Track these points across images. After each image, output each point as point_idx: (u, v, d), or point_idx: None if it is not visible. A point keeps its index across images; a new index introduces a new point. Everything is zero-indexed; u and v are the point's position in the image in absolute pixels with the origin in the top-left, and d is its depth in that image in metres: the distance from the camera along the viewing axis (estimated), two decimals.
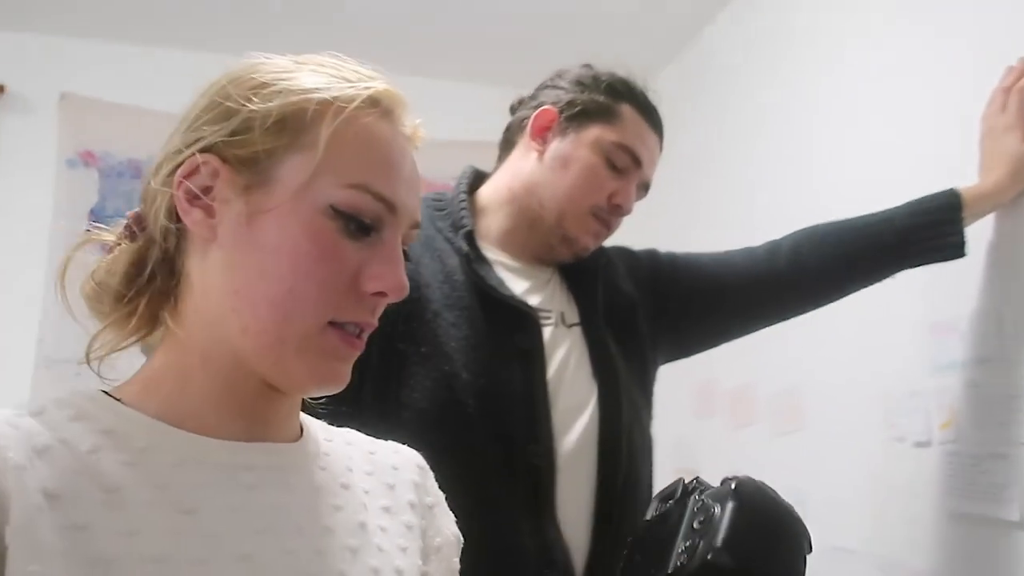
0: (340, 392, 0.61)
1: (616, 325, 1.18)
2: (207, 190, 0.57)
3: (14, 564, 0.45)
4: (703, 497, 0.62)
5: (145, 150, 2.13)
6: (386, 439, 0.73)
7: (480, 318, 1.07)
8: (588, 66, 1.21)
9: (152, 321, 0.61)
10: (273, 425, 0.61)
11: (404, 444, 0.74)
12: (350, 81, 0.59)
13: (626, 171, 1.15)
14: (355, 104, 0.57)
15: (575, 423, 1.09)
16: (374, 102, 0.59)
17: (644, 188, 1.21)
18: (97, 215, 2.38)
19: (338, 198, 0.56)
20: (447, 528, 0.70)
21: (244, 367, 0.57)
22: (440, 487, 0.73)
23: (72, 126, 2.51)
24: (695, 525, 0.60)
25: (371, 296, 0.58)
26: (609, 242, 1.27)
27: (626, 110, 1.15)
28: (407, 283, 0.59)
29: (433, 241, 1.12)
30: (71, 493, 0.49)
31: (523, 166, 1.18)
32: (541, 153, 1.16)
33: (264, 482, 0.58)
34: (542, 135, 1.16)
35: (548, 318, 1.14)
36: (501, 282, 1.11)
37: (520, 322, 1.09)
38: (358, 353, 0.59)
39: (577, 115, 1.15)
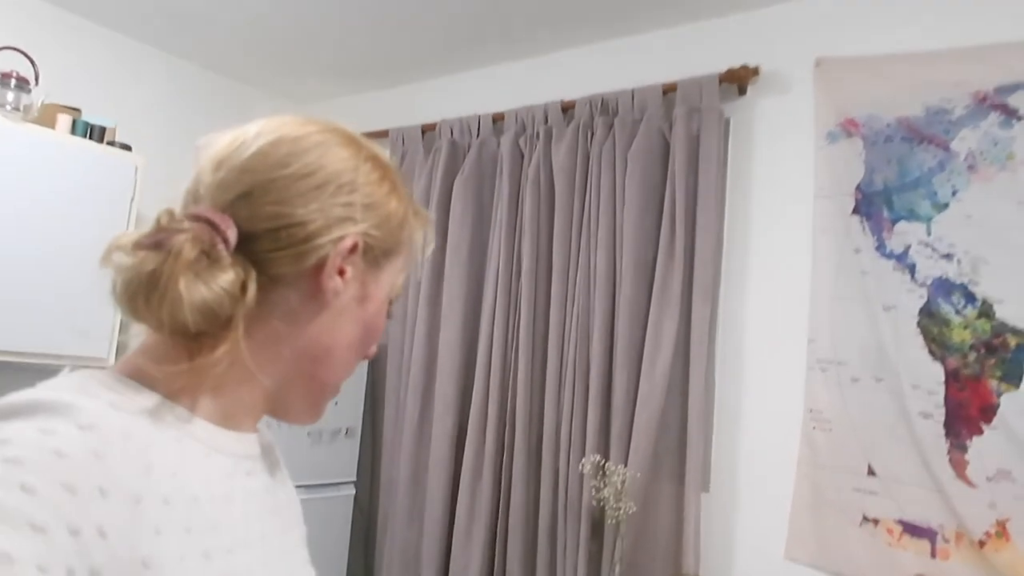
0: None
1: None
2: (348, 258, 0.64)
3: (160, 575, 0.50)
4: None
5: (920, 103, 1.79)
6: None
7: None
8: None
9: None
10: (257, 419, 0.69)
11: None
12: (421, 220, 0.72)
13: None
14: (425, 227, 0.72)
15: None
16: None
17: None
18: (864, 191, 2.01)
19: (394, 294, 0.70)
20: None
21: (280, 392, 0.66)
22: None
23: (830, 94, 2.13)
24: None
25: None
26: None
27: None
28: None
29: None
30: (172, 495, 0.54)
31: None
32: None
33: (256, 469, 0.67)
34: None
35: None
36: None
37: None
38: None
39: None
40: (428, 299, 2.69)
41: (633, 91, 2.35)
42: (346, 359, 0.68)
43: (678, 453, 2.17)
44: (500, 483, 2.45)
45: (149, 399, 0.58)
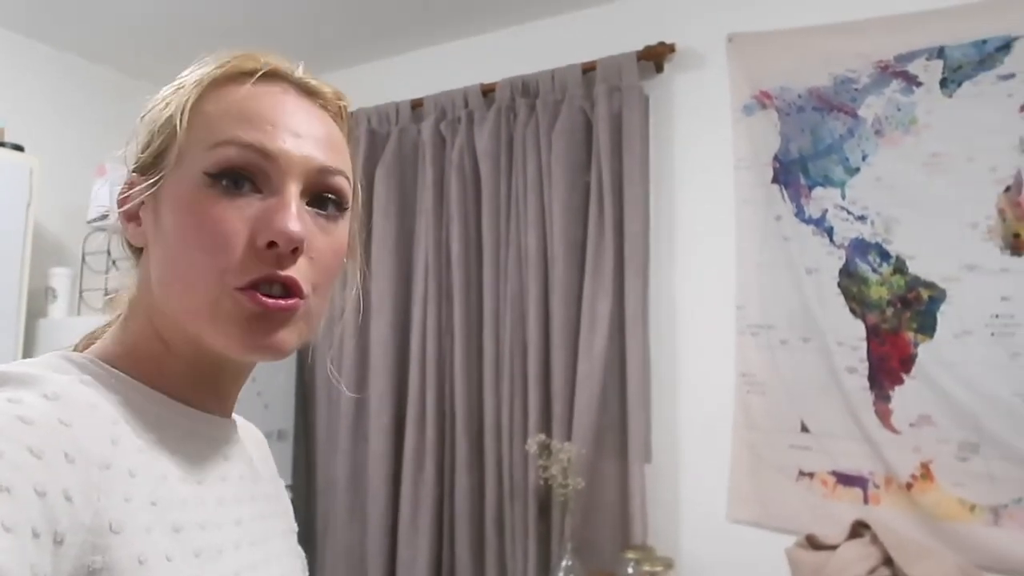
0: None
1: None
2: (139, 205, 0.61)
3: (129, 542, 0.48)
4: None
5: (827, 73, 1.93)
6: None
7: None
8: None
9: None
10: (230, 401, 0.67)
11: None
12: (215, 64, 0.61)
13: None
14: (209, 77, 0.60)
15: None
16: (236, 73, 0.61)
17: None
18: (781, 160, 2.10)
19: (207, 162, 0.56)
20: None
21: (198, 347, 0.59)
22: None
23: (743, 68, 2.19)
24: None
25: (266, 250, 0.56)
26: None
27: None
28: (296, 225, 0.56)
29: None
30: (138, 469, 0.52)
31: None
32: None
33: (234, 454, 0.65)
34: None
35: None
36: None
37: None
38: (284, 314, 0.57)
39: None
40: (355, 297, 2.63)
41: (553, 72, 2.36)
42: (190, 268, 0.59)
43: (619, 428, 2.21)
44: (443, 473, 2.42)
45: (117, 376, 0.58)
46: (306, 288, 0.58)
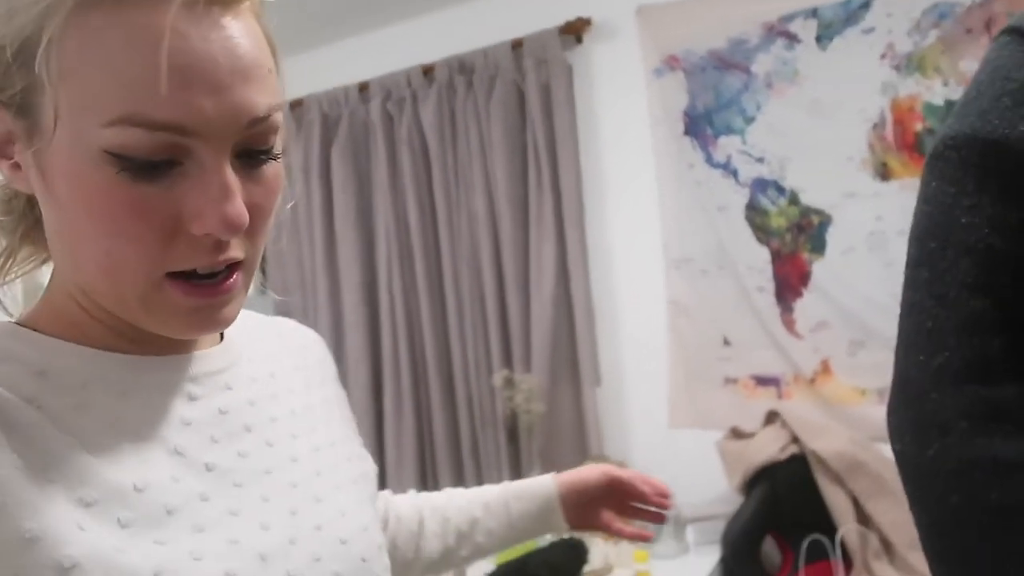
0: None
1: None
2: (9, 138, 0.49)
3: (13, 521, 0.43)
4: None
5: (724, 36, 2.27)
6: None
7: None
8: None
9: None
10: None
11: None
12: None
13: None
14: (65, 4, 0.43)
15: None
16: None
17: None
18: (690, 115, 2.43)
19: (105, 141, 0.44)
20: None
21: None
22: None
23: (652, 36, 2.48)
24: None
25: (203, 238, 0.47)
26: None
27: None
28: (238, 212, 0.46)
29: None
30: (41, 450, 0.46)
31: None
32: None
33: (207, 391, 0.57)
34: None
35: None
36: None
37: None
38: (224, 295, 0.50)
39: None
40: (324, 265, 2.89)
41: (486, 50, 2.62)
42: (109, 256, 0.50)
43: (571, 358, 2.54)
44: (421, 413, 2.74)
45: (34, 341, 0.52)
46: (245, 254, 0.52)
